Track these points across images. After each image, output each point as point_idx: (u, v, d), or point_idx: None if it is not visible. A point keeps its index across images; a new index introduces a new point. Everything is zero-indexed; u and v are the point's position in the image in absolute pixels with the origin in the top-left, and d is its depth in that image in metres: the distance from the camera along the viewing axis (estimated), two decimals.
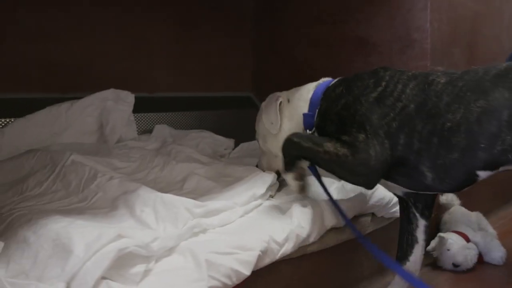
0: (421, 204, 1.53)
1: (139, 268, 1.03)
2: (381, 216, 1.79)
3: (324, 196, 1.56)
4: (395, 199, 1.75)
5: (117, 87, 2.15)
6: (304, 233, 1.38)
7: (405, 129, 1.33)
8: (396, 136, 1.34)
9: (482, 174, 1.27)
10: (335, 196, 1.71)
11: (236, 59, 2.81)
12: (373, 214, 1.77)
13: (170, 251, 1.14)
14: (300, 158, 1.47)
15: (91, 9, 2.22)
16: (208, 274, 1.09)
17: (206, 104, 2.63)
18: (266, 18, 2.75)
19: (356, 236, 1.44)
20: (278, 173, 1.72)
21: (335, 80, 1.60)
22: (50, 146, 1.77)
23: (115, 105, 2.09)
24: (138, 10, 2.38)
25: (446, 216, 2.10)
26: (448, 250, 1.89)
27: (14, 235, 1.13)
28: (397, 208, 1.77)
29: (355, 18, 2.18)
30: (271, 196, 1.64)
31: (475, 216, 2.09)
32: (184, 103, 2.58)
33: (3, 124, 1.95)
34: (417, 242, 1.53)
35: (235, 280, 1.14)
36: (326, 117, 1.52)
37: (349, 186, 1.71)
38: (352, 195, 1.68)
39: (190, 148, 1.93)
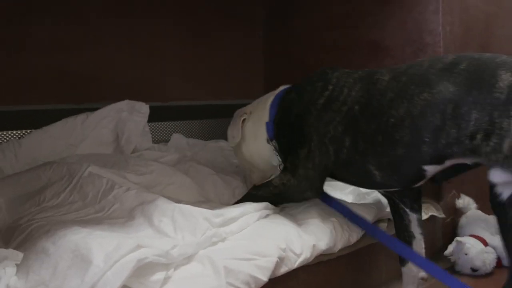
0: (408, 199, 1.52)
1: (159, 275, 1.03)
2: None
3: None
4: None
5: (130, 96, 2.17)
6: (323, 244, 1.38)
7: (350, 132, 1.36)
8: (341, 140, 1.37)
9: (430, 169, 1.26)
10: (350, 199, 1.70)
11: (248, 66, 2.82)
12: (389, 220, 1.76)
13: (188, 259, 1.14)
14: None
15: (103, 20, 2.24)
16: (227, 281, 1.09)
17: (219, 112, 2.64)
18: (277, 24, 2.76)
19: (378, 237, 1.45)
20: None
21: (289, 86, 1.65)
22: (67, 157, 1.79)
23: (130, 116, 2.11)
24: (150, 20, 2.40)
25: (463, 220, 2.08)
26: (466, 254, 1.86)
27: (33, 246, 1.14)
28: None
29: (367, 22, 2.18)
30: None
31: (493, 219, 2.06)
32: (197, 112, 2.59)
33: (20, 136, 1.98)
34: (414, 237, 1.52)
35: (254, 287, 1.14)
36: (280, 127, 1.58)
37: (364, 189, 1.71)
38: (367, 198, 1.67)
39: (207, 166, 1.91)
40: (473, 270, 1.85)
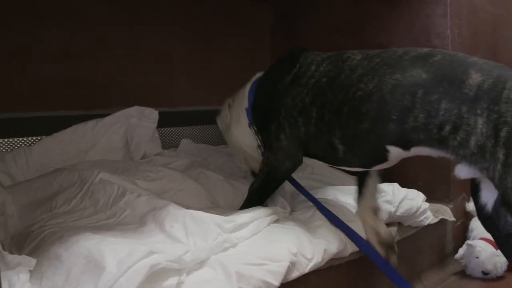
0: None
1: (172, 281, 1.04)
2: (408, 225, 1.78)
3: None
4: (423, 207, 1.74)
5: (139, 102, 2.18)
6: (333, 248, 1.39)
7: (317, 103, 1.39)
8: (309, 111, 1.41)
9: (393, 151, 1.28)
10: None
11: (255, 71, 2.81)
12: (399, 223, 1.76)
13: (200, 264, 1.14)
14: (264, 200, 1.58)
15: (111, 27, 2.26)
16: (238, 286, 1.09)
17: None
18: (284, 30, 2.76)
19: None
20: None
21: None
22: (77, 164, 1.80)
23: (140, 122, 2.12)
24: (157, 26, 2.41)
25: (473, 223, 2.07)
26: (477, 257, 1.86)
27: (46, 252, 1.14)
28: (425, 216, 1.77)
29: (374, 26, 2.18)
30: None
31: None
32: (206, 117, 2.60)
33: (30, 142, 1.99)
34: (369, 176, 1.56)
35: None
36: (255, 110, 1.65)
37: None
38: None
39: (216, 172, 1.91)
40: (484, 273, 1.84)
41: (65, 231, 1.21)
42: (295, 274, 1.25)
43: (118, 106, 2.13)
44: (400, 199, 1.69)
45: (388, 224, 1.68)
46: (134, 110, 2.13)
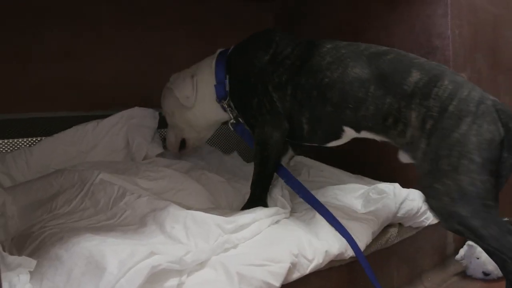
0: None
1: (172, 281, 1.04)
2: (409, 226, 1.77)
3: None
4: (423, 208, 1.74)
5: (140, 104, 2.18)
6: (334, 250, 1.38)
7: (292, 82, 1.55)
8: (285, 88, 1.57)
9: (347, 131, 1.51)
10: (359, 207, 1.69)
11: None
12: (400, 224, 1.75)
13: (201, 265, 1.14)
14: (267, 185, 1.66)
15: (114, 28, 2.26)
16: (240, 287, 1.09)
17: None
18: (285, 30, 2.75)
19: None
20: (183, 143, 2.00)
21: (233, 47, 1.81)
22: (78, 164, 1.80)
23: (141, 122, 2.11)
24: (160, 28, 2.41)
25: None
26: (478, 258, 1.85)
27: (47, 253, 1.14)
28: (425, 216, 1.77)
29: (375, 27, 2.18)
30: None
31: None
32: None
33: (30, 143, 1.99)
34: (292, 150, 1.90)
35: None
36: (232, 87, 1.73)
37: (374, 195, 1.70)
38: (378, 204, 1.66)
39: (218, 173, 1.92)
40: (485, 274, 1.84)
41: (65, 232, 1.21)
42: (295, 275, 1.25)
43: (119, 107, 2.13)
44: (401, 200, 1.68)
45: (389, 225, 1.68)
46: (135, 110, 2.13)
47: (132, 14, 2.33)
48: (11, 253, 1.15)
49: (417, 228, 1.79)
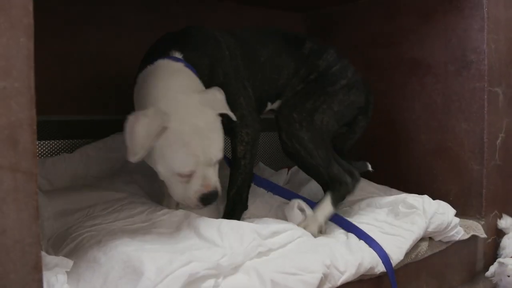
0: None
1: (209, 283, 1.05)
2: (439, 240, 1.76)
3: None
4: (454, 222, 1.72)
5: None
6: (366, 263, 1.37)
7: (248, 70, 1.65)
8: (245, 78, 1.64)
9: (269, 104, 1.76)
10: (388, 220, 1.67)
11: None
12: (430, 238, 1.73)
13: (235, 269, 1.15)
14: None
15: (147, 33, 2.27)
16: None
17: None
18: (319, 42, 2.76)
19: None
20: None
21: (179, 54, 1.50)
22: (115, 175, 1.85)
23: None
24: None
25: (505, 241, 2.03)
26: (509, 276, 1.82)
27: (84, 255, 1.17)
28: (456, 230, 1.75)
29: (410, 40, 2.17)
30: None
31: None
32: None
33: (68, 145, 2.03)
34: None
35: None
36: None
37: (403, 208, 1.68)
38: (407, 218, 1.64)
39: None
40: None
41: (103, 236, 1.23)
42: (326, 286, 1.25)
43: None
44: (431, 214, 1.66)
45: (420, 240, 1.66)
46: None
47: (166, 20, 2.35)
48: (48, 253, 1.17)
49: (447, 243, 1.77)
